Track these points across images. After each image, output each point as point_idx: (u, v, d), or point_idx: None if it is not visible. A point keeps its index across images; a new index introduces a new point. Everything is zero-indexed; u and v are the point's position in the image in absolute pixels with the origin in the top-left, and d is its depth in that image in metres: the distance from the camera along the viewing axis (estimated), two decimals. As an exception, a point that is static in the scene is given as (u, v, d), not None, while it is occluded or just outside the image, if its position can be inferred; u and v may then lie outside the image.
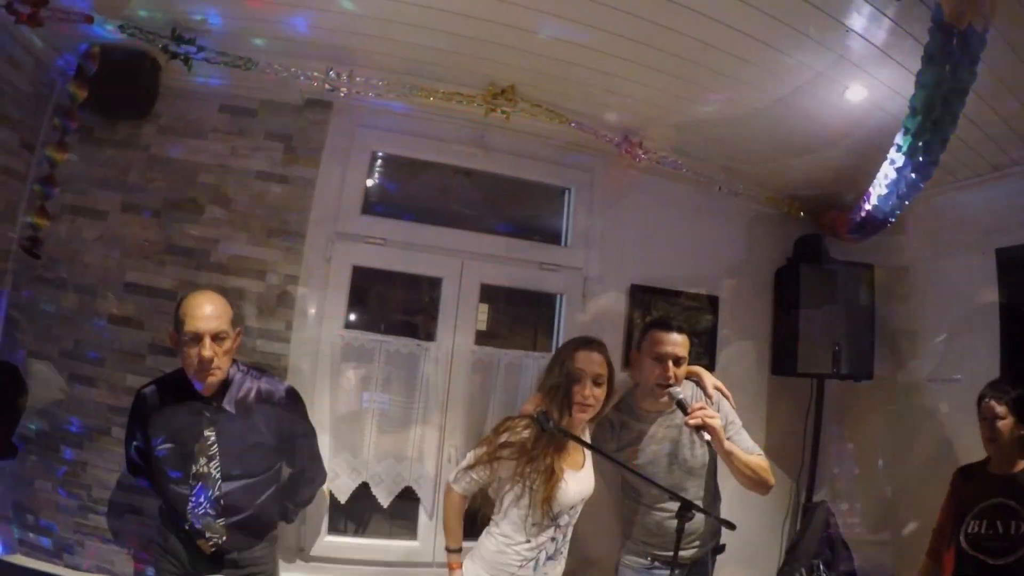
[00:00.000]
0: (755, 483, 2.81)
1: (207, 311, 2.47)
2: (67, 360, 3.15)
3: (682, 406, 2.69)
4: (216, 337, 2.45)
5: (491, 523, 2.73)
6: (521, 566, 2.62)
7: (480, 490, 2.80)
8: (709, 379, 3.08)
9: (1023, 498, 2.73)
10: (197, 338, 2.42)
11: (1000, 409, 2.84)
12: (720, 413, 2.89)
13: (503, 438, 2.66)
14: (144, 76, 3.12)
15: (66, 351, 3.15)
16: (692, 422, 2.64)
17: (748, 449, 2.85)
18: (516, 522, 2.63)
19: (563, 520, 2.69)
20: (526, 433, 2.63)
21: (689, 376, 3.10)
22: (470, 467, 2.71)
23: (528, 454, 2.60)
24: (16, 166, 3.09)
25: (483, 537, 2.73)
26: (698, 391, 3.04)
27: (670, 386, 2.83)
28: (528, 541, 2.62)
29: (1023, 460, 2.82)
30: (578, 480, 2.70)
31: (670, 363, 2.84)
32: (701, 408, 2.67)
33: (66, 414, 3.11)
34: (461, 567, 2.72)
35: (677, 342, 2.87)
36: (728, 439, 2.81)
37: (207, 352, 2.42)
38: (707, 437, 2.63)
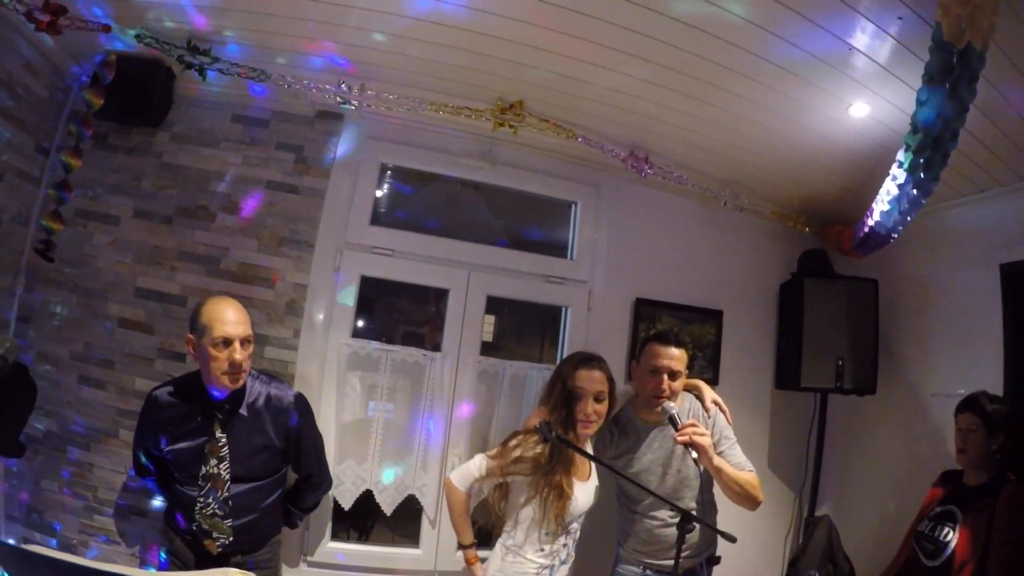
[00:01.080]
0: (743, 498, 2.81)
1: (235, 316, 2.56)
2: (77, 362, 3.19)
3: (673, 422, 2.70)
4: (244, 341, 2.54)
5: (504, 535, 2.78)
6: (538, 574, 2.68)
7: (487, 504, 2.88)
8: (708, 393, 3.11)
9: (968, 509, 2.80)
10: (228, 342, 2.50)
11: (974, 422, 2.90)
12: (716, 427, 2.94)
13: (516, 453, 2.70)
14: (159, 85, 3.18)
15: (76, 353, 3.20)
16: (680, 439, 2.65)
17: (739, 465, 2.86)
18: (532, 533, 2.69)
19: (573, 527, 2.78)
20: (539, 448, 2.67)
21: (690, 389, 3.13)
22: (481, 476, 2.75)
23: (541, 469, 2.66)
24: (31, 170, 3.15)
25: (497, 550, 2.78)
26: (696, 404, 3.06)
27: (664, 398, 2.86)
28: (543, 550, 2.69)
29: (988, 474, 2.87)
30: (584, 490, 2.77)
31: (665, 376, 2.87)
32: (691, 425, 2.68)
33: (74, 415, 3.16)
34: (479, 560, 2.79)
35: (674, 356, 2.90)
36: (720, 453, 2.85)
37: (239, 356, 2.50)
38: (695, 455, 2.63)
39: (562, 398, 2.75)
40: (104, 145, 3.30)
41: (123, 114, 3.21)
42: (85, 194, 3.26)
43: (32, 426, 3.03)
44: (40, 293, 3.21)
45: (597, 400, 2.75)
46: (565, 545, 2.75)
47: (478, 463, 2.78)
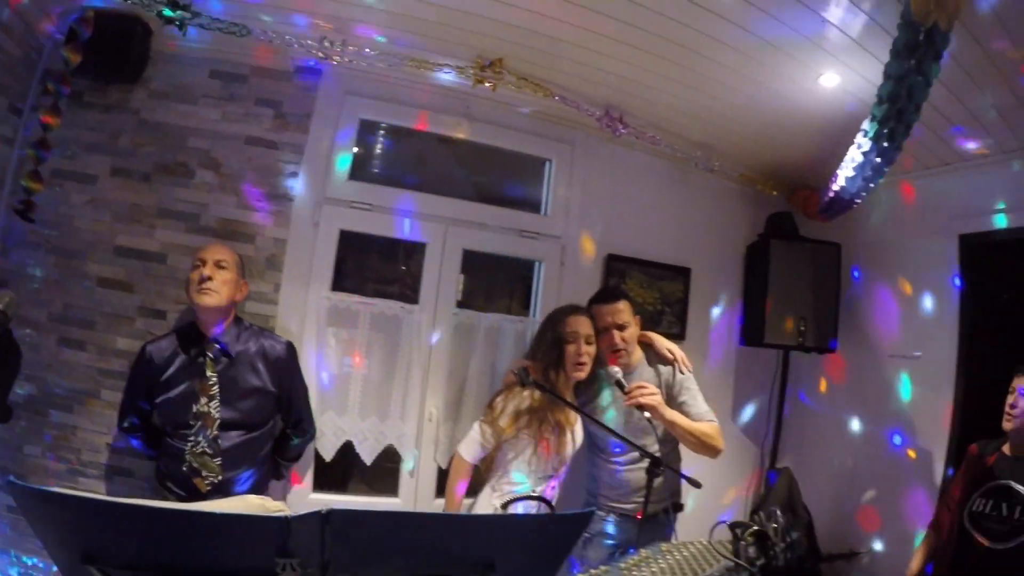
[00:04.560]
0: (701, 447, 2.96)
1: (213, 246, 2.89)
2: (57, 324, 3.18)
3: (620, 386, 2.82)
4: (218, 264, 2.78)
5: (496, 481, 2.94)
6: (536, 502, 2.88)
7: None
8: (661, 344, 3.24)
9: None
10: (202, 262, 2.77)
11: None
12: (676, 378, 3.11)
13: (510, 408, 2.88)
14: (135, 41, 3.12)
15: (55, 315, 3.18)
16: (629, 403, 2.80)
17: (698, 415, 3.01)
18: (526, 476, 2.88)
19: (563, 470, 2.99)
20: (527, 395, 2.86)
21: (643, 341, 3.26)
22: (489, 441, 2.91)
23: (539, 414, 2.85)
24: (4, 131, 3.09)
25: (486, 496, 2.93)
26: (665, 368, 3.19)
27: (621, 352, 3.04)
28: (535, 492, 2.88)
29: None
30: (578, 428, 3.01)
31: (614, 332, 3.03)
32: (639, 387, 2.80)
33: (55, 378, 3.16)
34: None
35: (615, 310, 3.05)
36: (681, 403, 3.03)
37: (207, 270, 2.75)
38: (647, 414, 2.75)
39: (553, 344, 2.95)
40: (80, 103, 3.22)
41: (99, 71, 3.14)
42: (61, 153, 3.19)
43: (13, 391, 3.01)
44: (16, 255, 3.17)
45: (587, 343, 2.97)
46: (554, 488, 2.97)
47: (480, 430, 2.93)
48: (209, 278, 2.73)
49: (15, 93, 3.12)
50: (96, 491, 3.13)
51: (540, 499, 2.87)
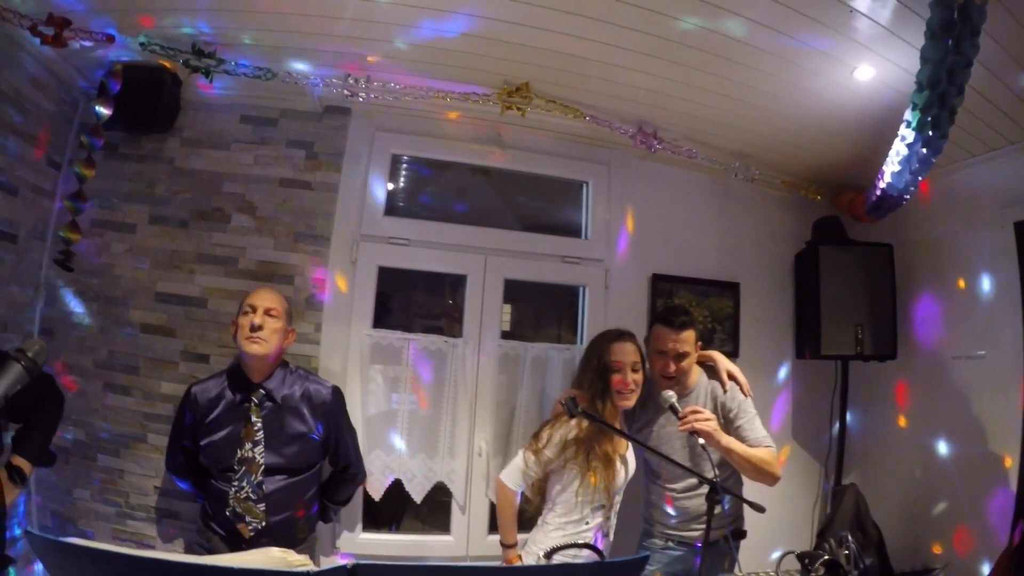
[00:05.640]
0: (758, 475, 2.82)
1: (263, 292, 2.85)
2: (101, 370, 3.24)
3: (674, 410, 2.69)
4: (268, 313, 2.75)
5: (547, 514, 2.84)
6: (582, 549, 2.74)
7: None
8: (723, 366, 3.10)
9: None
10: (252, 309, 2.75)
11: None
12: (734, 402, 2.96)
13: (556, 438, 2.77)
14: (166, 91, 3.20)
15: (100, 361, 3.25)
16: (683, 429, 2.67)
17: (756, 440, 2.87)
18: (574, 507, 2.75)
19: (616, 499, 2.84)
20: (573, 425, 2.75)
21: (705, 362, 3.14)
22: (529, 468, 2.81)
23: (586, 445, 2.73)
24: (43, 184, 3.19)
25: (539, 530, 2.83)
26: (714, 381, 3.07)
27: (672, 378, 2.92)
28: (588, 524, 2.76)
29: None
30: (628, 458, 2.89)
31: (671, 361, 2.92)
32: (693, 412, 2.68)
33: (102, 423, 3.21)
34: (520, 559, 2.83)
35: (678, 339, 2.91)
36: (737, 428, 2.89)
37: (257, 319, 2.72)
38: (701, 440, 2.61)
39: (598, 373, 2.83)
40: (115, 155, 3.34)
41: (132, 122, 3.22)
42: (100, 204, 3.30)
43: (61, 437, 3.07)
44: (61, 305, 3.26)
45: (633, 370, 2.83)
46: (608, 519, 2.83)
47: (524, 459, 2.83)
48: (260, 327, 2.71)
49: (53, 147, 3.23)
50: (145, 533, 3.17)
51: (588, 546, 2.74)
